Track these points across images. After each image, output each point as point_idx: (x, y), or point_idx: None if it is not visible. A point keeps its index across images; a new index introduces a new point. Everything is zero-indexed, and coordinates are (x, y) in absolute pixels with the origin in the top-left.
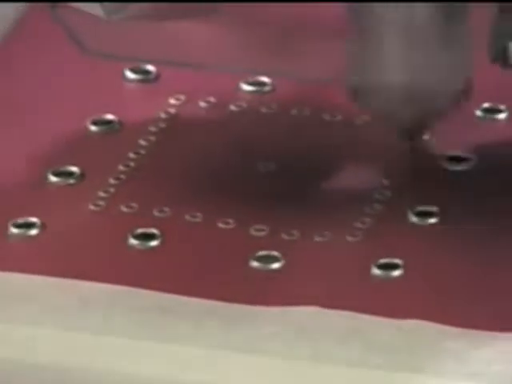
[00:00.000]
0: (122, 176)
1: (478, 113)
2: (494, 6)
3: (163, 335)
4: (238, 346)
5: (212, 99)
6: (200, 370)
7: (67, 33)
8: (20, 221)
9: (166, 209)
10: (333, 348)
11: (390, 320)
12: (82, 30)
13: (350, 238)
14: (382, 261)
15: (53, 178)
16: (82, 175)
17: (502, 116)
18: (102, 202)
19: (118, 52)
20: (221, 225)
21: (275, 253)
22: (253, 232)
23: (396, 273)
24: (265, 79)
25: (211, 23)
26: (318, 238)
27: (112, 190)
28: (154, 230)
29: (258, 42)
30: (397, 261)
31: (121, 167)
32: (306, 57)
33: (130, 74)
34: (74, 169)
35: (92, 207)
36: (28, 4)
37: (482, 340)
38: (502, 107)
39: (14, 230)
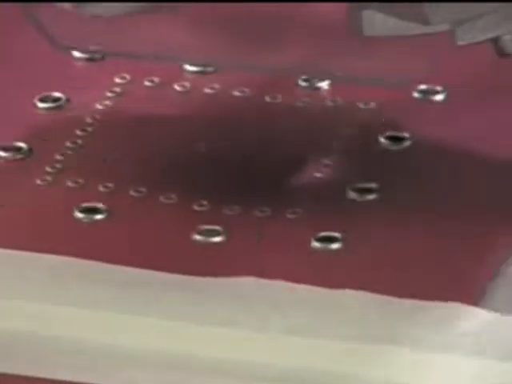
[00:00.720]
0: (69, 152)
1: (416, 94)
2: None
3: (121, 306)
4: (194, 317)
5: (156, 79)
6: (162, 341)
7: (37, 28)
8: None
9: (111, 184)
10: (273, 317)
11: (329, 290)
12: (53, 24)
13: (289, 214)
14: (322, 234)
15: (1, 153)
16: (30, 151)
17: (439, 97)
18: (48, 177)
19: (88, 46)
20: (164, 200)
21: (217, 227)
22: (195, 207)
23: (335, 246)
24: None
25: (177, 17)
26: (258, 214)
27: (59, 165)
28: (99, 205)
29: (224, 36)
30: (336, 234)
31: (68, 143)
32: (273, 49)
33: (77, 53)
34: (22, 144)
35: (39, 182)
36: None
37: (423, 308)
38: (439, 88)
39: None
